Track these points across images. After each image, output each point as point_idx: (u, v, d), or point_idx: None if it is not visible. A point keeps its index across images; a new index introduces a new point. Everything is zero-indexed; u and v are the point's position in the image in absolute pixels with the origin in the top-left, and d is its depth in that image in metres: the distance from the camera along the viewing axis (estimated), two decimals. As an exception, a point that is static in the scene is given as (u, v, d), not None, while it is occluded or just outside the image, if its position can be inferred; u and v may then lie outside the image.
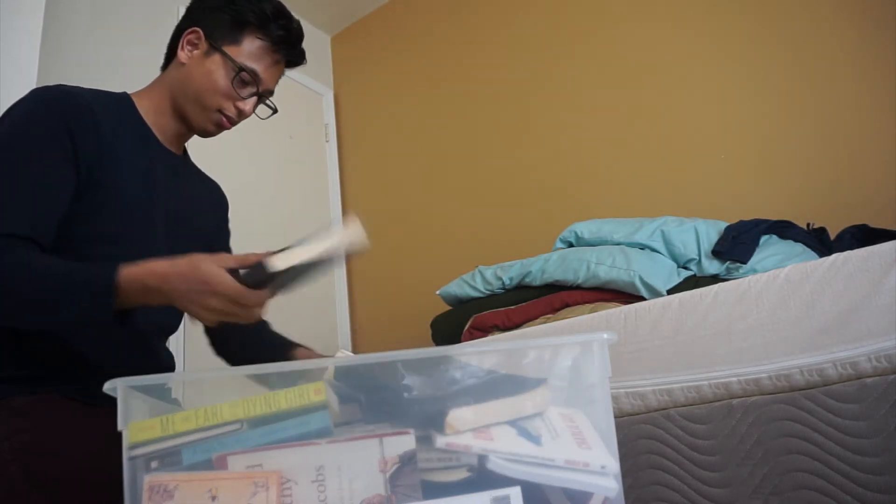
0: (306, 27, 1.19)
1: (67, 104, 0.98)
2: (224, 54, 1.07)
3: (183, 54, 1.09)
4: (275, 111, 1.19)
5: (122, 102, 1.07)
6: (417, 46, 3.24)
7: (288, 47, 1.13)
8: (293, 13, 1.16)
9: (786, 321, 1.21)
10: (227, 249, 1.30)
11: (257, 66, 1.09)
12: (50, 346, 0.95)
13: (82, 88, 1.03)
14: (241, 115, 1.11)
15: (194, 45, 1.09)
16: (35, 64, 1.52)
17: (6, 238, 0.88)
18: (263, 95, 1.13)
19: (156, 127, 1.11)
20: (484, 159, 2.98)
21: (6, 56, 1.44)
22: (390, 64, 3.34)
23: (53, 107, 0.97)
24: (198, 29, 1.09)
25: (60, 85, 1.02)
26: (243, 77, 1.09)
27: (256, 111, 1.16)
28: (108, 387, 0.67)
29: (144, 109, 1.10)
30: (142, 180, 1.05)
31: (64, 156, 0.96)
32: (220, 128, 1.12)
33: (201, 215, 1.22)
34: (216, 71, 1.07)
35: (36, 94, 1.00)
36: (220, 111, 1.10)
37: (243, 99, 1.10)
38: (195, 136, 1.18)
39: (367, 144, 3.36)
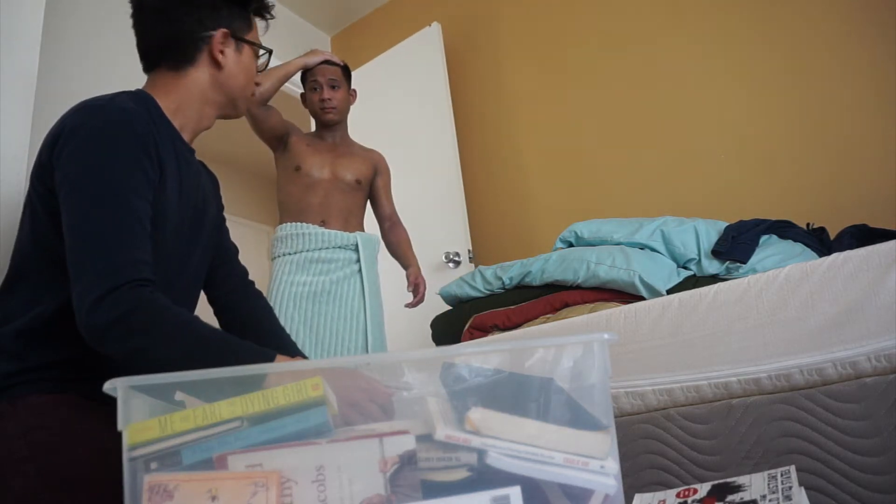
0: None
1: (136, 126, 0.98)
2: (251, 43, 1.16)
3: (222, 58, 1.12)
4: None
5: (149, 104, 1.07)
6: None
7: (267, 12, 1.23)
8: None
9: (785, 321, 1.22)
10: (227, 245, 1.31)
11: (262, 40, 1.20)
12: (67, 345, 0.95)
13: (127, 100, 1.02)
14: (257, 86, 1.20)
15: (224, 45, 1.13)
16: (35, 64, 1.51)
17: (151, 283, 0.90)
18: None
19: (179, 125, 1.12)
20: (481, 159, 2.98)
21: (6, 56, 1.44)
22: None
23: (128, 131, 0.97)
24: (226, 30, 1.12)
25: (113, 101, 1.00)
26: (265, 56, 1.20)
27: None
28: (107, 387, 0.66)
29: (166, 108, 1.10)
30: (177, 186, 1.06)
31: (150, 184, 0.98)
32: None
33: (211, 206, 1.23)
34: (250, 62, 1.17)
35: (101, 115, 0.97)
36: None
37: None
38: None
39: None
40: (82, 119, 0.97)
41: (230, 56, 1.13)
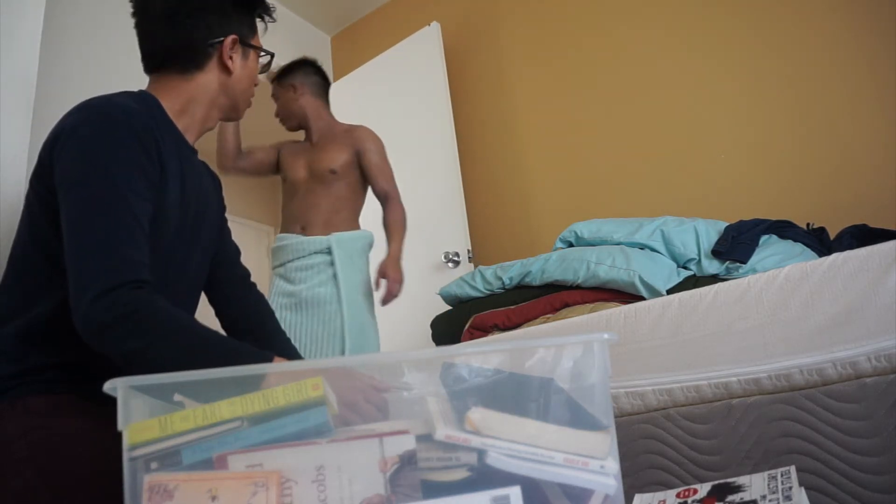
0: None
1: (135, 125, 0.98)
2: (255, 48, 1.18)
3: (232, 63, 1.14)
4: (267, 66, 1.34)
5: (152, 105, 1.07)
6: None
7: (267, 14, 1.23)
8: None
9: (785, 321, 1.22)
10: (229, 246, 1.30)
11: (263, 40, 1.21)
12: (65, 346, 0.95)
13: (127, 99, 1.02)
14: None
15: (233, 51, 1.14)
16: (35, 64, 1.51)
17: (148, 285, 0.89)
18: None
19: (182, 126, 1.12)
20: (480, 159, 2.98)
21: (6, 56, 1.44)
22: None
23: (127, 130, 0.96)
24: (235, 36, 1.13)
25: (112, 100, 1.00)
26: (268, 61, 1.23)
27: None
28: (107, 387, 0.66)
29: (170, 110, 1.10)
30: (179, 186, 1.06)
31: (150, 184, 0.97)
32: None
33: (212, 207, 1.23)
34: (255, 66, 1.19)
35: (101, 115, 0.97)
36: None
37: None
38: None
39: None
40: (82, 118, 0.97)
41: (238, 61, 1.15)
